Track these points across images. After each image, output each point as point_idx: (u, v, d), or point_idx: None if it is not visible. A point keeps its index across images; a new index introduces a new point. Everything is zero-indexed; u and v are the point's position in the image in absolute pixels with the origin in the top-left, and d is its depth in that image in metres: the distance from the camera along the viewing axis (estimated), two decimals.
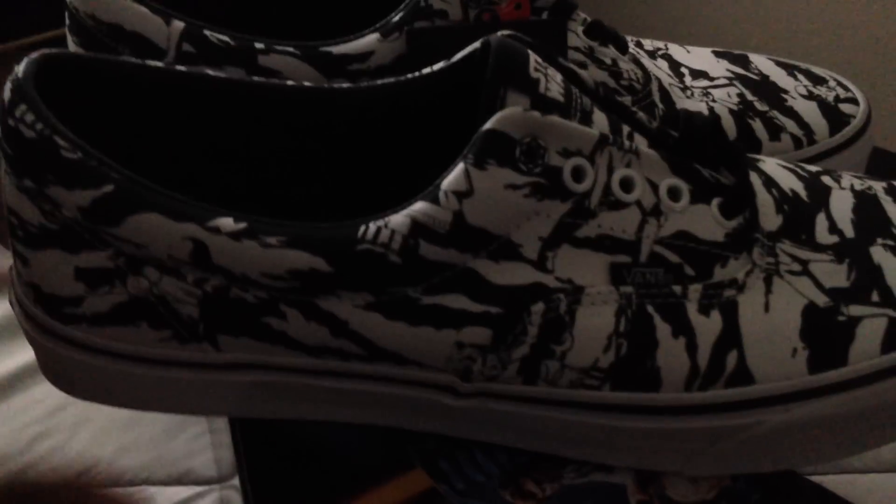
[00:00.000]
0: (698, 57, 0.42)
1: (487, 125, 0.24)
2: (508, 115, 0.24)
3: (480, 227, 0.24)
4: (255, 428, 0.31)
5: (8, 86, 0.25)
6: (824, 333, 0.25)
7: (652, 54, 0.41)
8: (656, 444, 0.27)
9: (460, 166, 0.24)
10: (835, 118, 0.38)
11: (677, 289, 0.25)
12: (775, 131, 0.37)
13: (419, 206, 0.24)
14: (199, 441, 0.44)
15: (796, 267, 0.26)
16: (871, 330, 0.26)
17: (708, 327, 0.25)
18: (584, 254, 0.25)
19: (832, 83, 0.41)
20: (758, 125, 0.37)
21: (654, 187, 0.25)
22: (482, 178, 0.24)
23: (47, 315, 0.26)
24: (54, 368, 0.28)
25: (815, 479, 0.35)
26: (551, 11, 0.36)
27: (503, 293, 0.25)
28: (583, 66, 0.36)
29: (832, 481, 0.43)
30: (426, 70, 0.28)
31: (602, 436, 0.27)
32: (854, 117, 0.39)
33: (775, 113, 0.38)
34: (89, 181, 0.24)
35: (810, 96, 0.39)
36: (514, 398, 0.26)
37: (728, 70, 0.40)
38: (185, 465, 0.44)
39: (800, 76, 0.41)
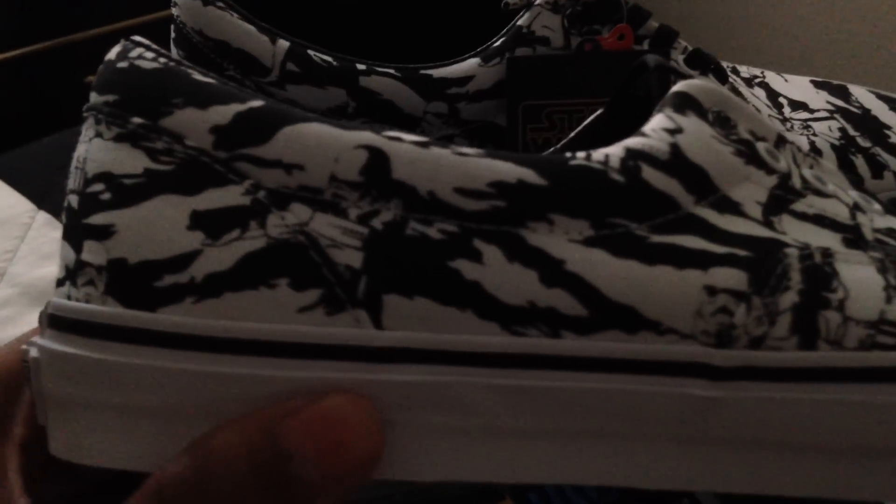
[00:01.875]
0: (797, 87, 0.41)
1: (676, 87, 0.21)
2: (697, 83, 0.22)
3: (700, 165, 0.21)
4: None
5: (119, 45, 0.21)
6: None
7: (749, 82, 0.40)
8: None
9: (657, 116, 0.21)
10: None
11: None
12: (878, 169, 0.36)
13: (625, 141, 0.20)
14: None
15: None
16: None
17: None
18: (808, 226, 0.21)
19: None
20: (860, 161, 0.36)
21: (844, 190, 0.22)
22: (686, 121, 0.21)
23: (124, 305, 0.19)
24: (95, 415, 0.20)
25: None
26: (653, 41, 0.36)
27: (742, 239, 0.20)
28: None
29: None
30: None
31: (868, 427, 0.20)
32: None
33: (878, 150, 0.37)
34: (231, 98, 0.20)
35: None
36: (788, 374, 0.20)
37: (828, 102, 0.40)
38: None
39: None
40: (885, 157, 0.37)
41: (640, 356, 0.20)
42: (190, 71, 0.20)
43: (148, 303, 0.19)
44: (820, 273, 0.20)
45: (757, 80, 0.41)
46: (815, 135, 0.37)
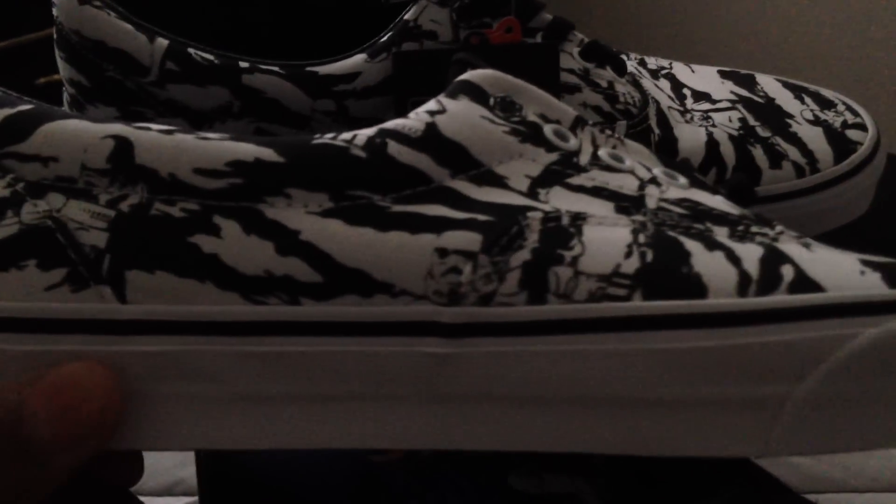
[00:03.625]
0: (702, 77, 0.40)
1: (461, 76, 0.23)
2: (483, 73, 0.23)
3: (457, 141, 0.22)
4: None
5: None
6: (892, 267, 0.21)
7: (654, 74, 0.40)
8: (722, 388, 0.20)
9: (429, 102, 0.23)
10: (841, 145, 0.37)
11: (700, 225, 0.22)
12: (776, 159, 0.36)
13: (384, 123, 0.22)
14: (190, 451, 0.44)
15: None
16: None
17: (748, 249, 0.21)
18: (581, 196, 0.22)
19: (841, 107, 0.39)
20: (758, 152, 0.36)
21: (648, 168, 0.24)
22: (454, 104, 0.23)
23: None
24: None
25: (811, 497, 0.34)
26: (546, 33, 0.35)
27: (489, 206, 0.21)
28: (577, 88, 0.35)
29: (828, 500, 0.42)
30: None
31: (641, 382, 0.21)
32: (861, 144, 0.37)
33: (778, 139, 0.37)
34: (4, 104, 0.21)
35: (816, 121, 0.38)
36: (519, 329, 0.21)
37: (732, 92, 0.39)
38: (175, 476, 0.44)
39: (807, 99, 0.39)
40: (785, 146, 0.36)
41: (374, 318, 0.20)
42: None
43: None
44: (561, 233, 0.21)
45: (663, 72, 0.40)
46: (713, 126, 0.37)
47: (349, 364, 0.20)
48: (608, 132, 0.24)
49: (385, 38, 0.34)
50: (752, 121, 0.37)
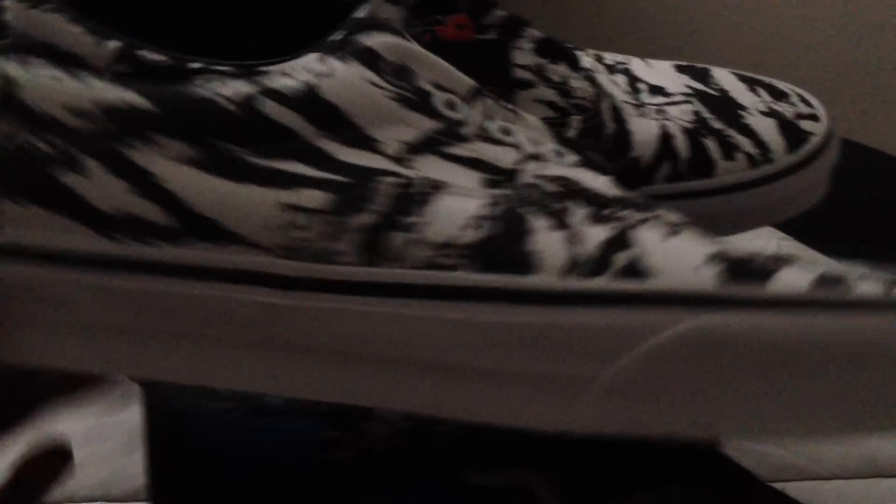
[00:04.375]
0: (658, 72, 0.41)
1: (361, 41, 0.24)
2: (384, 39, 0.24)
3: (334, 103, 0.23)
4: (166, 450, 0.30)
5: None
6: (738, 262, 0.22)
7: (611, 69, 0.40)
8: (532, 363, 0.22)
9: (315, 55, 0.24)
10: (793, 136, 0.37)
11: (559, 205, 0.23)
12: (729, 150, 0.36)
13: (265, 76, 0.23)
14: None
15: None
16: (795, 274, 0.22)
17: (595, 231, 0.22)
18: (452, 166, 0.23)
19: (794, 98, 0.40)
20: (711, 144, 0.36)
21: (536, 143, 0.25)
22: (343, 67, 0.23)
23: None
24: None
25: (777, 486, 0.34)
26: (499, 29, 0.35)
27: (351, 168, 0.23)
28: (531, 84, 0.35)
29: (795, 488, 0.42)
30: None
31: (454, 349, 0.22)
32: (814, 135, 0.38)
33: (731, 131, 0.37)
34: None
35: (769, 112, 0.38)
36: (348, 288, 0.22)
37: (687, 86, 0.40)
38: (142, 481, 0.43)
39: (761, 91, 0.40)
40: (738, 138, 0.37)
41: (218, 265, 0.22)
42: None
43: None
44: (410, 200, 0.22)
45: (620, 67, 0.41)
46: (667, 119, 0.37)
47: (190, 305, 0.22)
48: (506, 105, 0.25)
49: (338, 36, 0.34)
50: (705, 113, 0.38)
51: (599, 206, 0.23)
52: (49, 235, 0.22)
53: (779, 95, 0.40)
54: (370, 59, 0.24)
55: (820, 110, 0.39)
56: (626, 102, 0.38)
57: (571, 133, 0.35)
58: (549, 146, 0.25)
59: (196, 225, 0.22)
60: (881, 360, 0.21)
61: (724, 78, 0.41)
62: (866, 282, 0.22)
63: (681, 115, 0.37)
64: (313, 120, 0.23)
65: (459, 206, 0.22)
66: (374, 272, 0.22)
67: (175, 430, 0.30)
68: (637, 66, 0.41)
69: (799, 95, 0.40)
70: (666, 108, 0.38)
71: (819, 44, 0.99)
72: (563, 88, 0.36)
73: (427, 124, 0.24)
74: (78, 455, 0.37)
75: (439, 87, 0.24)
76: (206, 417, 0.30)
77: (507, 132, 0.25)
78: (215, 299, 0.22)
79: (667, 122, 0.37)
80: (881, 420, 0.21)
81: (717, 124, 0.37)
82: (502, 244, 0.22)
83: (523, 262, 0.22)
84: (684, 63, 0.42)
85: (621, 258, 0.22)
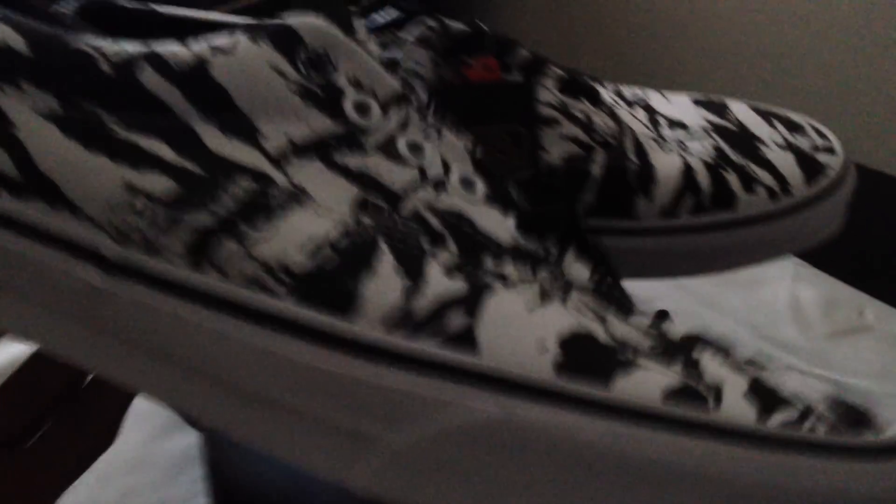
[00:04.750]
0: (677, 105, 0.42)
1: (289, 20, 0.22)
2: (312, 22, 0.22)
3: (224, 86, 0.21)
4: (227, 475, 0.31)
5: None
6: (591, 353, 0.21)
7: (631, 103, 0.41)
8: (324, 409, 0.20)
9: (227, 36, 0.22)
10: (811, 169, 0.38)
11: (427, 246, 0.21)
12: (750, 183, 0.37)
13: (166, 43, 0.21)
14: (200, 484, 0.44)
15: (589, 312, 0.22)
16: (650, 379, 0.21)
17: (444, 284, 0.21)
18: (333, 177, 0.22)
19: (809, 130, 0.41)
20: (732, 177, 0.37)
21: (447, 168, 0.23)
22: (251, 48, 0.21)
23: None
24: None
25: None
26: (523, 69, 0.36)
27: (214, 159, 0.21)
28: (555, 122, 0.36)
29: None
30: None
31: (258, 373, 0.21)
32: (831, 167, 0.39)
33: (751, 165, 0.38)
34: None
35: (786, 146, 0.39)
36: (166, 287, 0.21)
37: (706, 119, 0.41)
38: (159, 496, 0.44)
39: (777, 124, 0.41)
40: (757, 171, 0.38)
41: (51, 230, 0.21)
42: None
43: None
44: (259, 209, 0.21)
45: (639, 101, 0.42)
46: (689, 153, 0.38)
47: (20, 263, 0.21)
48: (432, 121, 0.23)
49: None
50: (725, 147, 0.39)
51: (479, 253, 0.22)
52: None
53: (795, 128, 0.40)
54: (287, 41, 0.22)
55: (835, 143, 0.40)
56: (648, 137, 0.39)
57: (596, 169, 0.36)
58: (458, 174, 0.23)
59: (38, 184, 0.21)
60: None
61: (741, 111, 0.42)
62: (745, 405, 0.21)
63: (701, 150, 0.38)
64: (193, 98, 0.21)
65: (307, 225, 0.21)
66: (194, 278, 0.21)
67: (231, 459, 0.31)
68: (655, 99, 0.42)
69: (814, 128, 0.41)
70: (687, 142, 0.39)
71: (833, 60, 1.00)
72: (586, 125, 0.37)
73: (325, 125, 0.22)
74: (124, 483, 0.38)
75: (358, 85, 0.22)
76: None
77: (416, 149, 0.23)
78: (45, 264, 0.21)
79: (689, 157, 0.38)
80: None
81: (737, 158, 0.38)
82: (334, 278, 0.20)
83: (347, 304, 0.20)
84: (701, 96, 0.43)
85: (457, 321, 0.20)
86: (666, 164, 0.37)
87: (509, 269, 0.22)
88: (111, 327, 0.21)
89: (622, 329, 0.22)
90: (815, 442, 0.20)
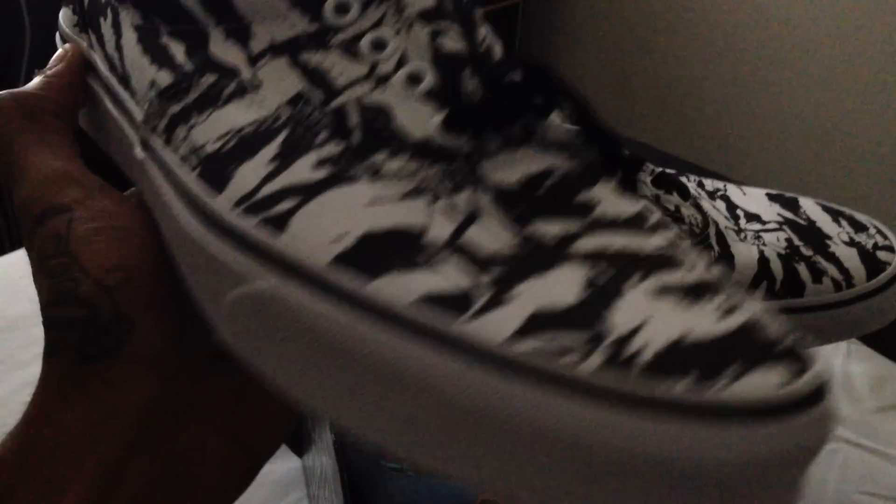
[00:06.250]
0: (753, 199, 0.47)
1: None
2: None
3: None
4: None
5: None
6: (382, 250, 0.21)
7: (712, 195, 0.47)
8: (188, 267, 0.24)
9: None
10: (872, 265, 0.43)
11: (320, 139, 0.23)
12: (818, 275, 0.43)
13: None
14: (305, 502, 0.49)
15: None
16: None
17: (300, 174, 0.22)
18: (289, 73, 0.24)
19: (872, 230, 0.46)
20: (802, 269, 0.43)
21: (401, 64, 0.24)
22: None
23: None
24: None
25: None
26: (625, 167, 0.42)
27: (205, 60, 0.25)
28: None
29: None
30: None
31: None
32: (889, 264, 0.44)
33: (819, 258, 0.43)
34: None
35: (851, 243, 0.44)
36: (159, 163, 0.25)
37: (779, 214, 0.46)
38: None
39: (843, 223, 0.46)
40: (825, 264, 0.43)
41: (123, 101, 0.28)
42: None
43: None
44: (210, 99, 0.24)
45: (719, 193, 0.47)
46: (764, 244, 0.43)
47: (99, 115, 0.29)
48: (409, 14, 0.24)
49: None
50: (796, 241, 0.44)
51: (363, 149, 0.22)
52: None
53: (859, 227, 0.46)
54: None
55: (894, 241, 0.45)
56: (728, 228, 0.44)
57: None
58: (410, 69, 0.23)
59: (122, 76, 0.28)
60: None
61: (811, 209, 0.47)
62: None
63: (775, 242, 0.44)
64: (210, 9, 0.25)
65: (234, 116, 0.24)
66: (164, 154, 0.25)
67: (362, 483, 0.36)
68: (734, 192, 0.48)
69: (876, 228, 0.46)
70: (762, 234, 0.44)
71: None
72: (676, 216, 0.42)
73: (304, 26, 0.24)
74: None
75: None
76: (386, 473, 0.36)
77: (378, 46, 0.24)
78: (109, 114, 0.29)
79: (764, 248, 0.43)
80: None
81: (806, 251, 0.43)
82: (222, 161, 0.23)
83: (222, 184, 0.22)
84: (774, 192, 0.49)
85: (281, 207, 0.22)
86: (744, 254, 0.43)
87: (395, 164, 0.22)
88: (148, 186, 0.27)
89: (501, 238, 0.21)
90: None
